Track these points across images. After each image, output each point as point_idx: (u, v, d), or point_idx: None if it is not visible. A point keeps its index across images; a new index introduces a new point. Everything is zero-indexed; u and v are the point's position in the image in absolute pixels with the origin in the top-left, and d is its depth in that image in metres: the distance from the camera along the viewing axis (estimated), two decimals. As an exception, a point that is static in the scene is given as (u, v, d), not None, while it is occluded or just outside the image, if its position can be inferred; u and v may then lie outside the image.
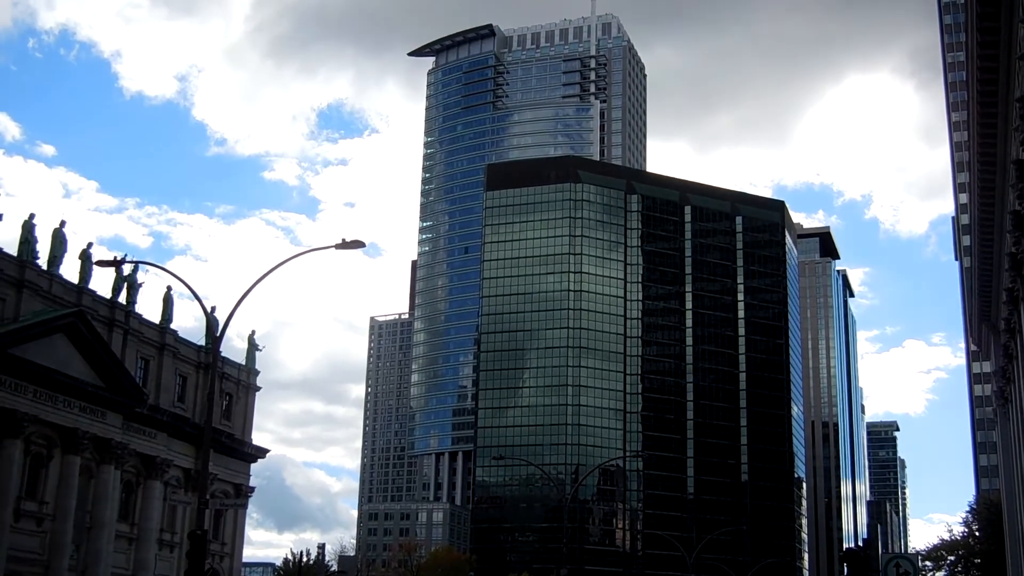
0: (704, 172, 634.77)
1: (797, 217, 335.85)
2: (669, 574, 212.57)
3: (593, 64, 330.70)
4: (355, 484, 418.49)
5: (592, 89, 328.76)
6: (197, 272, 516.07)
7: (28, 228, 78.34)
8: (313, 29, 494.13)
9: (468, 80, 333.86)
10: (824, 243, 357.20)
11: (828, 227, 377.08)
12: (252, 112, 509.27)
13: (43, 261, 79.30)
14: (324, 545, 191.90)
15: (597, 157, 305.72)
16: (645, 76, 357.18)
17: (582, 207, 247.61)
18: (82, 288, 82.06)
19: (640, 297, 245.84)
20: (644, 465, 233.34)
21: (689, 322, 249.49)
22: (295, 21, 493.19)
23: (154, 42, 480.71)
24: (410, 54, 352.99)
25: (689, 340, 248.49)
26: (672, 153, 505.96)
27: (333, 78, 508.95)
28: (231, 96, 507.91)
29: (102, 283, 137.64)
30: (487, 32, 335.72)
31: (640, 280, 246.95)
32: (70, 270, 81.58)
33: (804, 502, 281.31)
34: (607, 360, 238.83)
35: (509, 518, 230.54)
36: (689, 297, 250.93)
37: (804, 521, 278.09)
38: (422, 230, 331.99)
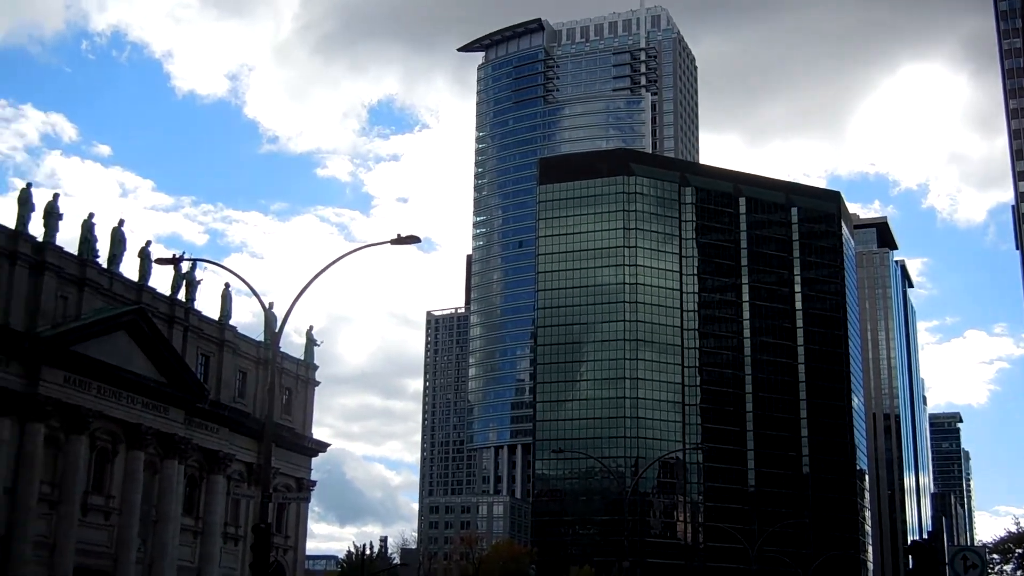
0: (757, 164, 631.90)
1: (853, 208, 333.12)
2: (731, 566, 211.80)
3: (643, 56, 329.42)
4: (414, 478, 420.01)
5: (643, 82, 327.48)
6: (253, 269, 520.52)
7: (88, 227, 79.21)
8: (361, 27, 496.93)
9: (518, 75, 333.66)
10: (881, 233, 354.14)
11: (885, 217, 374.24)
12: (303, 110, 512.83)
13: (103, 260, 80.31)
14: (386, 538, 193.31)
15: (649, 150, 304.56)
16: (696, 68, 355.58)
17: (635, 200, 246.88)
18: (142, 286, 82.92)
19: (696, 289, 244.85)
20: (704, 458, 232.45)
21: (746, 314, 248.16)
22: (343, 19, 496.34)
23: (204, 42, 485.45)
24: (459, 49, 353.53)
25: (747, 332, 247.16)
26: (724, 145, 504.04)
27: (382, 75, 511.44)
28: (282, 94, 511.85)
29: (161, 281, 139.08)
30: (536, 26, 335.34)
31: (696, 272, 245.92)
32: (130, 268, 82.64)
33: (867, 494, 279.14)
34: (664, 353, 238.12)
35: (569, 511, 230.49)
36: (746, 289, 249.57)
37: (867, 514, 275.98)
38: (476, 224, 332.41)
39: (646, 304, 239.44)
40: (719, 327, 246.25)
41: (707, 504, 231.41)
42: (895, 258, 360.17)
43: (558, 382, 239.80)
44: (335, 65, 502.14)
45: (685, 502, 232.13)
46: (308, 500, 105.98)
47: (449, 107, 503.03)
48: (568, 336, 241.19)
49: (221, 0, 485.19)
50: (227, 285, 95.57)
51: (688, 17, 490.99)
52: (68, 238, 78.31)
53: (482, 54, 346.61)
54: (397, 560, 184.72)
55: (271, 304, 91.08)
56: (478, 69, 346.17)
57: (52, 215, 75.26)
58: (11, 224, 72.44)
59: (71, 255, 76.70)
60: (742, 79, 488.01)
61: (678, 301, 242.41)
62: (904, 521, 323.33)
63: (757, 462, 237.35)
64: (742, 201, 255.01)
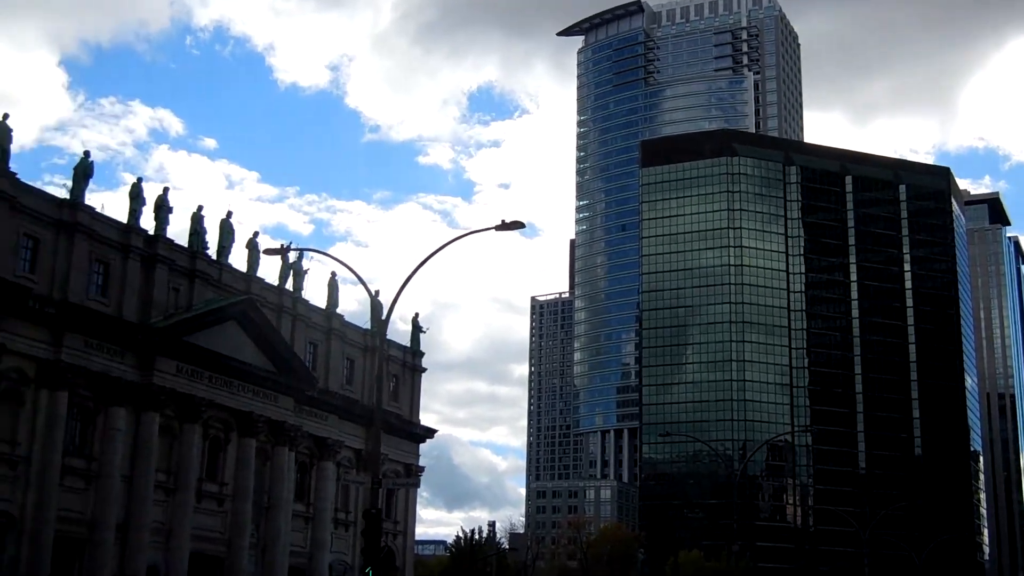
0: (862, 141, 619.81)
1: (963, 184, 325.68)
2: (842, 550, 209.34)
3: (745, 35, 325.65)
4: (521, 462, 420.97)
5: (745, 61, 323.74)
6: (358, 257, 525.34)
7: (197, 220, 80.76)
8: (459, 14, 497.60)
9: (618, 57, 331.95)
10: (993, 209, 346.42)
11: (997, 193, 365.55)
12: (404, 98, 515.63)
13: (212, 251, 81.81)
14: (494, 523, 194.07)
15: (752, 130, 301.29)
16: (798, 45, 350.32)
17: (739, 181, 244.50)
18: (251, 276, 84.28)
19: (803, 270, 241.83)
20: (813, 440, 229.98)
21: (854, 294, 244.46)
22: (441, 7, 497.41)
23: (305, 34, 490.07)
24: (559, 34, 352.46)
25: (855, 312, 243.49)
26: (828, 123, 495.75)
27: (481, 62, 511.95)
28: (382, 83, 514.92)
29: (269, 271, 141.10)
30: (635, 8, 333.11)
31: (802, 253, 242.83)
32: (238, 259, 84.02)
33: (982, 476, 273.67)
34: (771, 334, 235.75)
35: (677, 495, 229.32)
36: (854, 269, 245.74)
37: (982, 495, 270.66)
38: (579, 209, 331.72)
39: (752, 285, 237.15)
40: (827, 308, 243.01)
41: (817, 487, 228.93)
42: (1008, 234, 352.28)
43: (664, 365, 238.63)
44: (434, 53, 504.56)
45: (794, 485, 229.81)
46: (417, 486, 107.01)
47: (548, 92, 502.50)
48: (673, 319, 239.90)
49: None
50: (333, 274, 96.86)
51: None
52: (177, 230, 79.96)
53: (581, 38, 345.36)
54: (505, 545, 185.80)
55: (377, 292, 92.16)
56: (578, 53, 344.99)
57: (162, 209, 76.86)
58: (123, 218, 74.09)
59: (182, 247, 78.31)
60: (846, 56, 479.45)
61: (784, 282, 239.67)
62: (1021, 502, 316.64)
63: (868, 444, 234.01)
64: (848, 179, 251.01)
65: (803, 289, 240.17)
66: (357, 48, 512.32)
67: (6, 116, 66.80)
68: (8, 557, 64.82)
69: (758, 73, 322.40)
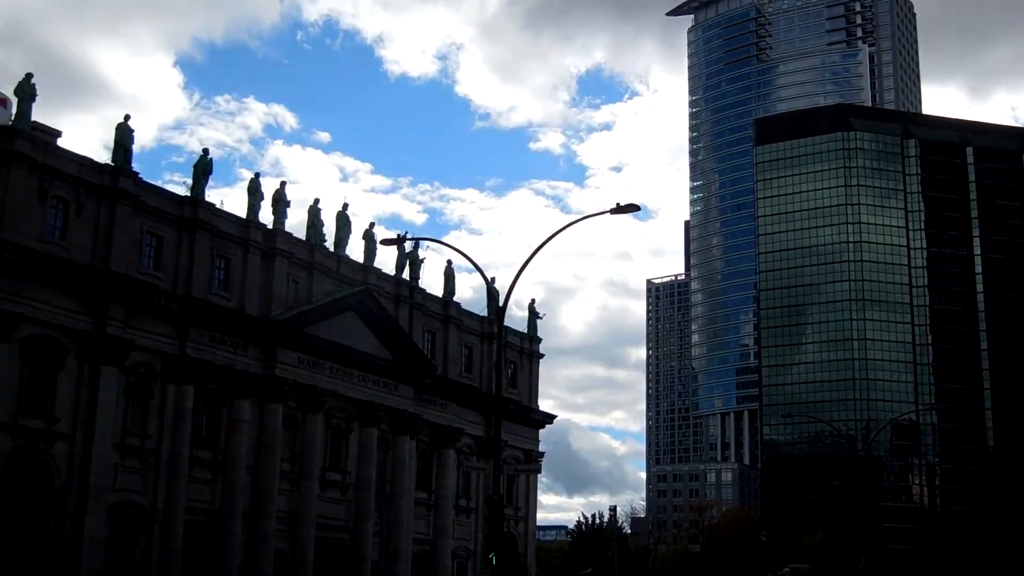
0: (982, 112, 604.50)
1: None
2: (970, 530, 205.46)
3: (858, 7, 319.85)
4: (640, 446, 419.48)
5: (859, 33, 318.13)
6: (472, 245, 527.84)
7: (314, 212, 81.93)
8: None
9: (729, 35, 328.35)
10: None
11: None
12: (513, 84, 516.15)
13: (329, 243, 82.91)
14: (615, 507, 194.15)
15: (868, 103, 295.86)
16: (914, 15, 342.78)
17: (856, 156, 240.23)
18: (368, 267, 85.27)
19: (924, 245, 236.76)
20: (939, 418, 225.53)
21: (978, 268, 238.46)
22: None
23: (413, 24, 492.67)
24: (668, 14, 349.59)
25: (980, 287, 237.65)
26: (947, 95, 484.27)
27: (590, 45, 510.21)
28: (491, 70, 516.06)
29: (385, 261, 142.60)
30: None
31: (923, 227, 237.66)
32: (355, 250, 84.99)
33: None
34: (893, 312, 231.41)
35: (799, 476, 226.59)
36: (977, 242, 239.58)
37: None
38: (693, 190, 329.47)
39: (872, 262, 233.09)
40: (950, 283, 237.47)
41: (943, 466, 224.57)
42: None
43: (783, 346, 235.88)
44: (542, 38, 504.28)
45: (920, 465, 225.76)
46: (538, 471, 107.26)
47: (659, 73, 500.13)
48: (792, 298, 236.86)
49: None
50: (449, 262, 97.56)
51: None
52: (294, 223, 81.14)
53: (691, 17, 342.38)
54: (627, 529, 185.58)
55: (493, 279, 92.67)
56: (688, 32, 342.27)
57: (280, 202, 78.15)
58: (242, 213, 75.46)
59: (300, 240, 79.58)
60: (964, 24, 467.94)
61: (905, 258, 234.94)
62: None
63: (996, 421, 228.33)
64: (969, 151, 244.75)
65: (925, 264, 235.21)
66: (465, 36, 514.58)
67: (127, 118, 68.46)
68: (141, 548, 66.56)
69: (873, 45, 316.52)
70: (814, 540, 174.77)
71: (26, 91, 63.73)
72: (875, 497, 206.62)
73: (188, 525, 68.93)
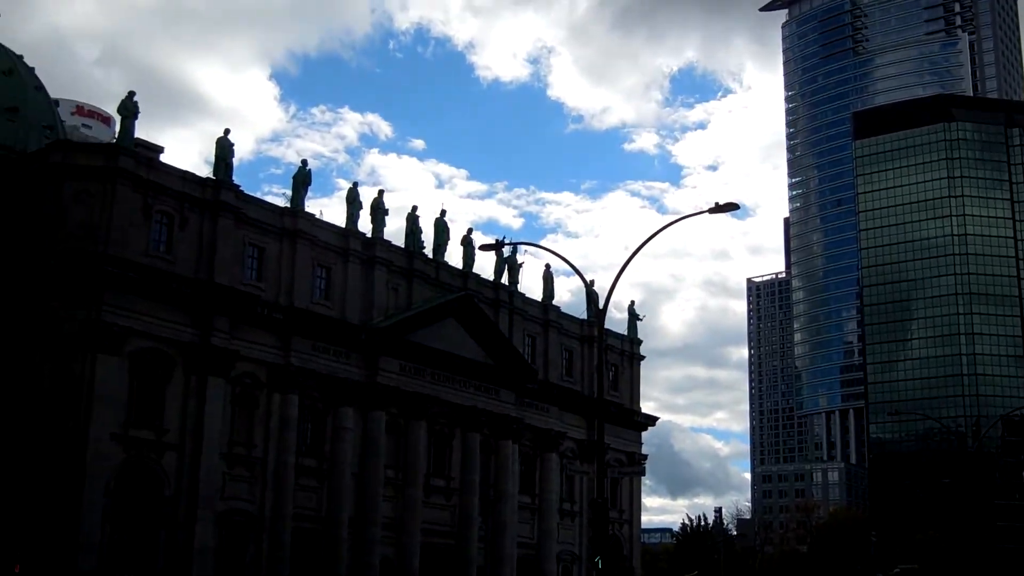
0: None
1: None
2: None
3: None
4: (743, 447, 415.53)
5: (958, 22, 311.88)
6: (569, 248, 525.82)
7: (412, 220, 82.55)
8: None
9: (824, 28, 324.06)
10: None
11: None
12: (605, 86, 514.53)
13: (427, 250, 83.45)
14: (720, 509, 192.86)
15: (970, 93, 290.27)
16: (1016, 1, 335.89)
17: (959, 147, 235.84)
18: (467, 272, 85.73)
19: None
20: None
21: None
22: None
23: (503, 29, 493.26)
24: (761, 9, 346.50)
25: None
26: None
27: (681, 43, 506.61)
28: (582, 73, 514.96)
29: (484, 266, 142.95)
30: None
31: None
32: (453, 256, 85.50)
33: None
34: (1001, 305, 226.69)
35: (908, 475, 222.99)
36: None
37: None
38: (791, 186, 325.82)
39: (977, 255, 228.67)
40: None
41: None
42: None
43: (888, 342, 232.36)
44: (633, 38, 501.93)
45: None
46: (642, 474, 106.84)
47: (752, 69, 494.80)
48: (896, 294, 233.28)
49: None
50: (547, 266, 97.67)
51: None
52: (392, 231, 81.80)
53: (785, 11, 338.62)
54: (733, 531, 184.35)
55: (591, 281, 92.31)
56: (782, 27, 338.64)
57: (378, 211, 78.90)
58: (340, 223, 76.28)
59: (399, 248, 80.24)
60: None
61: (1012, 249, 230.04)
62: None
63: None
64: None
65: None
66: (556, 39, 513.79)
67: (227, 132, 69.56)
68: (250, 555, 67.52)
69: (973, 33, 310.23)
70: (924, 539, 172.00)
71: (129, 109, 65.13)
72: (987, 495, 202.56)
73: (295, 532, 69.81)
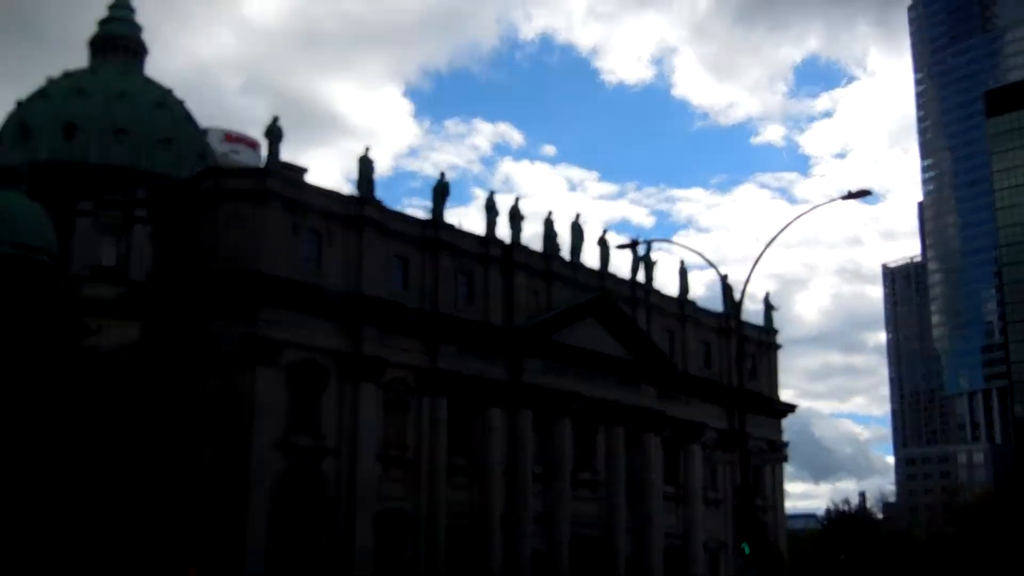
0: None
1: None
2: None
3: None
4: (884, 431, 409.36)
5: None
6: (701, 242, 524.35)
7: (549, 224, 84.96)
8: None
9: (952, 7, 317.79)
10: None
11: None
12: (729, 81, 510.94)
13: (564, 252, 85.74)
14: (864, 493, 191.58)
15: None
16: None
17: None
18: (603, 272, 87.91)
19: None
20: None
21: None
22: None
23: (626, 32, 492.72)
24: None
25: None
26: None
27: (803, 33, 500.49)
28: (706, 70, 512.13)
29: (619, 265, 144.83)
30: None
31: None
32: (589, 257, 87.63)
33: None
34: None
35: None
36: None
37: None
38: (924, 169, 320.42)
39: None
40: None
41: None
42: None
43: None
44: (754, 32, 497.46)
45: None
46: (785, 460, 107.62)
47: (876, 55, 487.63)
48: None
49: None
50: (682, 262, 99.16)
51: None
52: (528, 235, 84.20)
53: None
54: (878, 514, 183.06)
55: (725, 275, 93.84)
56: (908, 9, 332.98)
57: (516, 217, 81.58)
58: (479, 231, 79.04)
59: (536, 252, 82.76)
60: None
61: None
62: None
63: None
64: None
65: None
66: (678, 38, 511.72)
67: (367, 149, 72.70)
68: (407, 553, 70.54)
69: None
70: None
71: (274, 133, 68.72)
72: None
73: (449, 529, 72.67)
